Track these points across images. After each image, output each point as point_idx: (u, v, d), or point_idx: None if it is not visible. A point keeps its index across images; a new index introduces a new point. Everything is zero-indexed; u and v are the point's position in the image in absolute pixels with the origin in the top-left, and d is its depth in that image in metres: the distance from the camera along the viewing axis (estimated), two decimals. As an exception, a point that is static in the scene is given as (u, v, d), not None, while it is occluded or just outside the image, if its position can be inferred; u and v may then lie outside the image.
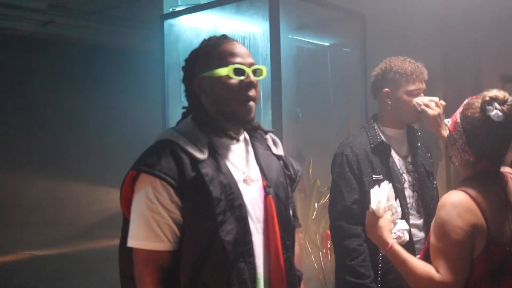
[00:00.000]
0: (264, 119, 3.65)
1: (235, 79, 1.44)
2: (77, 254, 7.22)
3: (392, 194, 1.74)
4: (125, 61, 8.82)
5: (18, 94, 8.47)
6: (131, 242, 1.41)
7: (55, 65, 8.80)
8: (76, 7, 7.74)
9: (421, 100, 2.20)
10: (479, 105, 1.59)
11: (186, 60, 1.56)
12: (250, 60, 1.48)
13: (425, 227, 2.21)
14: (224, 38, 1.53)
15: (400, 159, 2.26)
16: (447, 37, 3.74)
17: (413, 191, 2.23)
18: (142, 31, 8.00)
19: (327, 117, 4.20)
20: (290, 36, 3.72)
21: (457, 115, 1.66)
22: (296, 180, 1.68)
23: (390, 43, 3.75)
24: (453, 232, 1.51)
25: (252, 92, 1.45)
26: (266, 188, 1.51)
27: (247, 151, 1.55)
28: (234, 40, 1.52)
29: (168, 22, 3.93)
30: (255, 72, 1.47)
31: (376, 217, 1.70)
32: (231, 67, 1.43)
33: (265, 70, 1.50)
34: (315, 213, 3.67)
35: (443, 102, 2.22)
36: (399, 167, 2.23)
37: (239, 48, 1.48)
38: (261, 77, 1.50)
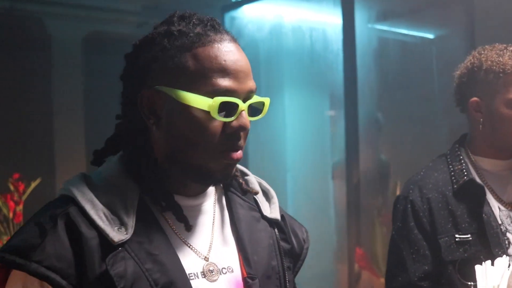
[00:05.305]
0: (334, 129, 3.06)
1: (218, 120, 0.82)
2: None
3: None
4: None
5: (115, 98, 8.56)
6: None
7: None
8: (168, 8, 7.70)
9: None
10: None
11: (130, 55, 0.90)
12: (249, 84, 0.84)
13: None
14: (211, 28, 0.84)
15: (502, 207, 1.45)
16: None
17: (523, 259, 1.43)
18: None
19: (426, 126, 3.37)
20: (369, 26, 3.05)
21: None
22: (302, 258, 1.01)
23: (507, 33, 2.93)
24: None
25: (241, 141, 0.84)
26: (247, 280, 0.89)
27: (220, 214, 0.93)
28: (229, 38, 0.85)
29: (229, 15, 3.54)
30: (250, 107, 0.85)
31: None
32: (218, 100, 0.80)
33: (267, 104, 0.88)
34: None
35: None
36: (500, 222, 1.42)
37: (234, 57, 0.82)
38: (258, 117, 0.88)
